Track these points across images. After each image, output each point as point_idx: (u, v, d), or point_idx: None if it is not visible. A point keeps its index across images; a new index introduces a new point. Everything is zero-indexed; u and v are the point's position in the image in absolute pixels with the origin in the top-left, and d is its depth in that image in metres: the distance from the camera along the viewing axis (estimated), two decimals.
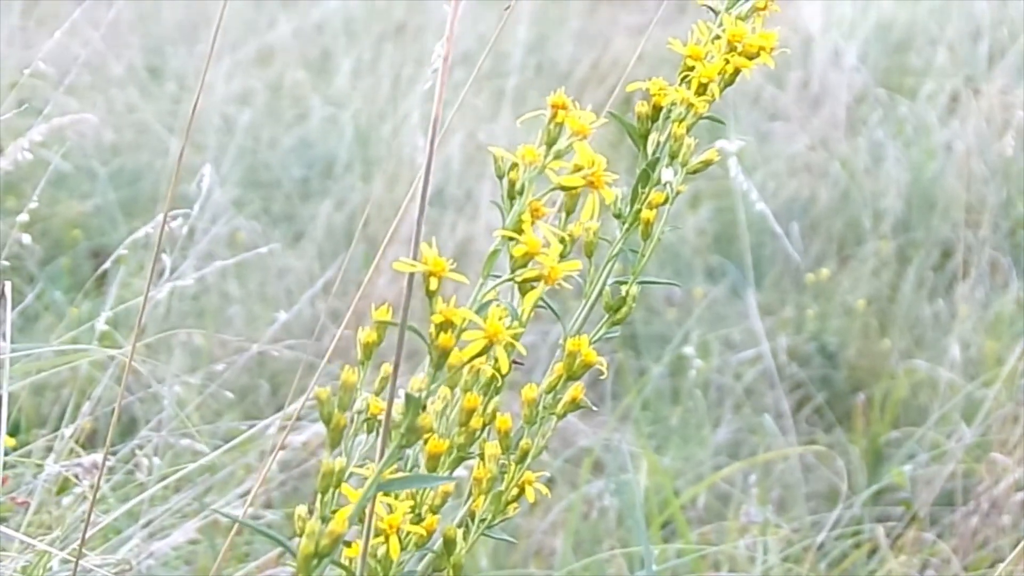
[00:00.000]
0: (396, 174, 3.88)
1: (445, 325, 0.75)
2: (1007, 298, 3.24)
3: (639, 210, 0.91)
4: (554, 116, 0.80)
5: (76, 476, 1.67)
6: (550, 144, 0.79)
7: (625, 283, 0.92)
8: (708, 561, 2.30)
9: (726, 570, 2.24)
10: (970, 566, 2.37)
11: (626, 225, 0.92)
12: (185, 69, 4.60)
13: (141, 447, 1.86)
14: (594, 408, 0.86)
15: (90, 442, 2.64)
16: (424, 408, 0.76)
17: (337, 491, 0.77)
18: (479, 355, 0.76)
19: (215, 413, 2.80)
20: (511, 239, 0.78)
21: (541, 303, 0.91)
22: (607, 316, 0.92)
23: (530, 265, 0.79)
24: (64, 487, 1.95)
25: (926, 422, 2.84)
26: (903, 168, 3.90)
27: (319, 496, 0.76)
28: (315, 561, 0.73)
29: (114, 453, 1.93)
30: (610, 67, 4.45)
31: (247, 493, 1.86)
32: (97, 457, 1.66)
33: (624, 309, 0.91)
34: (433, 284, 0.75)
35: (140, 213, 3.91)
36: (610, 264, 0.91)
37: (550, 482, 2.64)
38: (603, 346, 3.18)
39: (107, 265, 1.97)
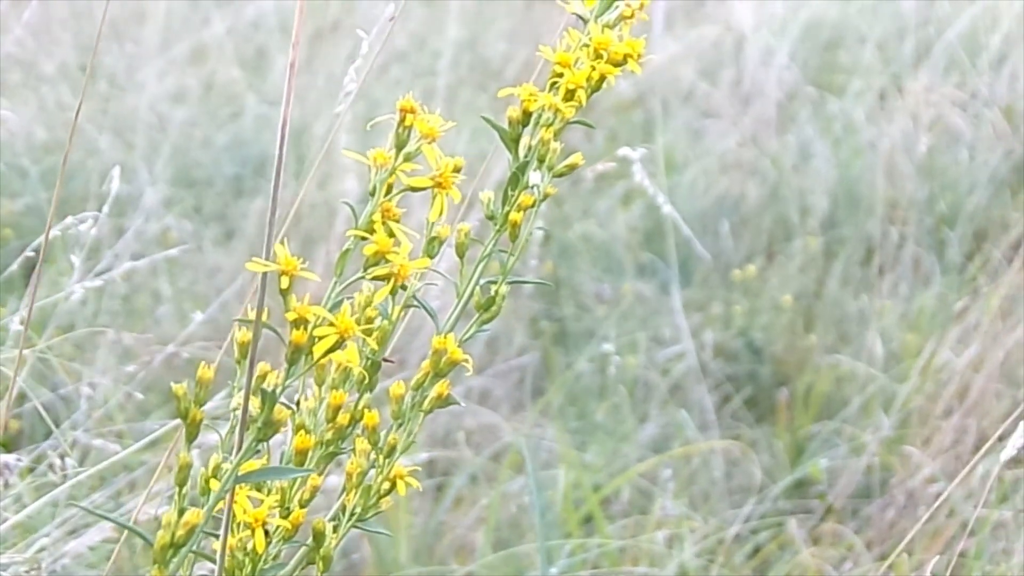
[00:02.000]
0: (329, 173, 3.88)
1: (299, 322, 0.77)
2: (929, 293, 3.29)
3: (507, 213, 0.92)
4: (403, 120, 0.81)
5: None
6: (400, 147, 0.81)
7: (495, 283, 0.93)
8: (628, 555, 2.33)
9: (645, 564, 2.26)
10: (886, 556, 2.41)
11: (497, 226, 0.93)
12: (117, 67, 4.58)
13: (55, 448, 1.86)
14: (462, 404, 0.88)
15: (14, 443, 2.63)
16: (278, 403, 0.77)
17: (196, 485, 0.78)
18: (332, 350, 0.77)
19: (142, 414, 2.80)
20: (363, 239, 0.80)
21: (415, 303, 0.93)
22: (478, 315, 0.94)
23: (381, 263, 0.81)
24: None
25: (848, 416, 2.89)
26: (831, 165, 3.94)
27: (176, 489, 0.78)
28: (171, 551, 0.75)
29: (31, 453, 1.92)
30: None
31: (161, 493, 1.86)
32: (7, 457, 1.66)
33: (494, 308, 0.93)
34: (285, 283, 0.77)
35: (72, 212, 3.88)
36: (481, 264, 0.93)
37: (473, 479, 2.66)
38: (531, 343, 3.19)
39: (13, 268, 1.95)
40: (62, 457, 1.80)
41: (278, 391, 0.78)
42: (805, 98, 4.35)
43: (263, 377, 0.89)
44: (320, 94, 4.44)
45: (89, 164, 4.14)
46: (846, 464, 2.69)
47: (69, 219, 1.74)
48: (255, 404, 0.80)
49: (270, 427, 0.80)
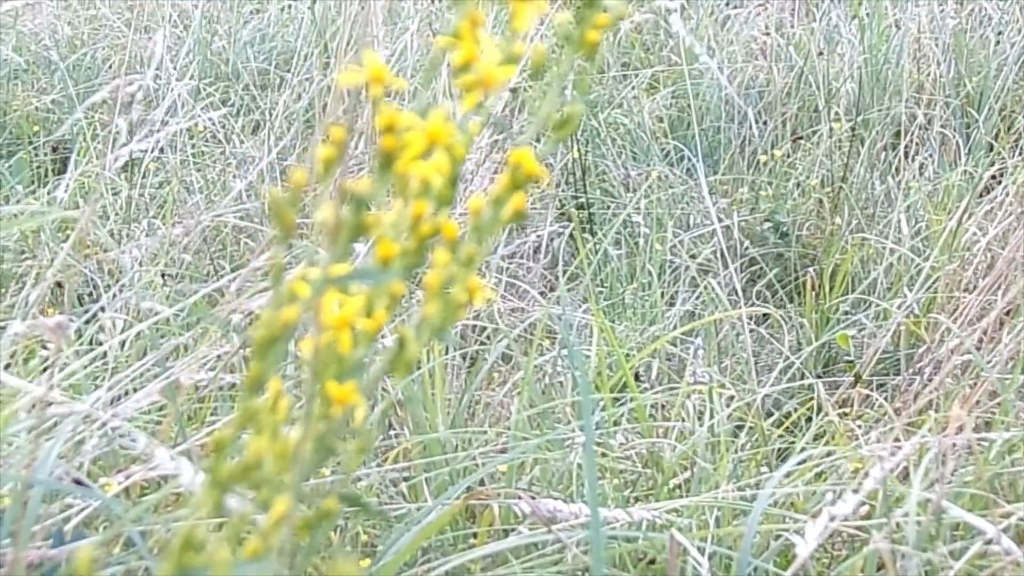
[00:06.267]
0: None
1: (389, 128, 0.80)
2: (955, 172, 3.31)
3: (584, 32, 0.95)
4: None
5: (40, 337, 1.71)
6: None
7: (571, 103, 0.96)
8: (659, 417, 2.37)
9: (676, 427, 2.31)
10: (913, 421, 2.45)
11: (573, 46, 0.96)
12: None
13: (103, 309, 1.90)
14: (535, 215, 0.91)
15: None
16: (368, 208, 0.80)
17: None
18: (420, 155, 0.80)
19: (179, 294, 2.85)
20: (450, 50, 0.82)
21: (492, 121, 0.96)
22: (552, 133, 0.96)
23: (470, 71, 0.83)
24: (30, 356, 2.00)
25: (875, 293, 2.92)
26: (857, 51, 3.94)
27: (274, 288, 0.81)
28: (270, 346, 0.78)
29: (78, 317, 1.96)
30: None
31: (207, 358, 1.91)
32: (62, 317, 1.70)
33: (568, 125, 0.95)
34: (375, 90, 0.79)
35: (99, 107, 3.92)
36: (556, 84, 0.96)
37: (505, 357, 2.70)
38: (559, 229, 3.20)
39: (62, 131, 1.98)
40: (112, 320, 1.85)
41: (367, 196, 0.81)
42: None
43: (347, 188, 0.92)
44: None
45: (115, 60, 4.17)
46: (873, 336, 2.73)
47: (117, 81, 1.77)
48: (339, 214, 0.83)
49: (360, 230, 0.83)
